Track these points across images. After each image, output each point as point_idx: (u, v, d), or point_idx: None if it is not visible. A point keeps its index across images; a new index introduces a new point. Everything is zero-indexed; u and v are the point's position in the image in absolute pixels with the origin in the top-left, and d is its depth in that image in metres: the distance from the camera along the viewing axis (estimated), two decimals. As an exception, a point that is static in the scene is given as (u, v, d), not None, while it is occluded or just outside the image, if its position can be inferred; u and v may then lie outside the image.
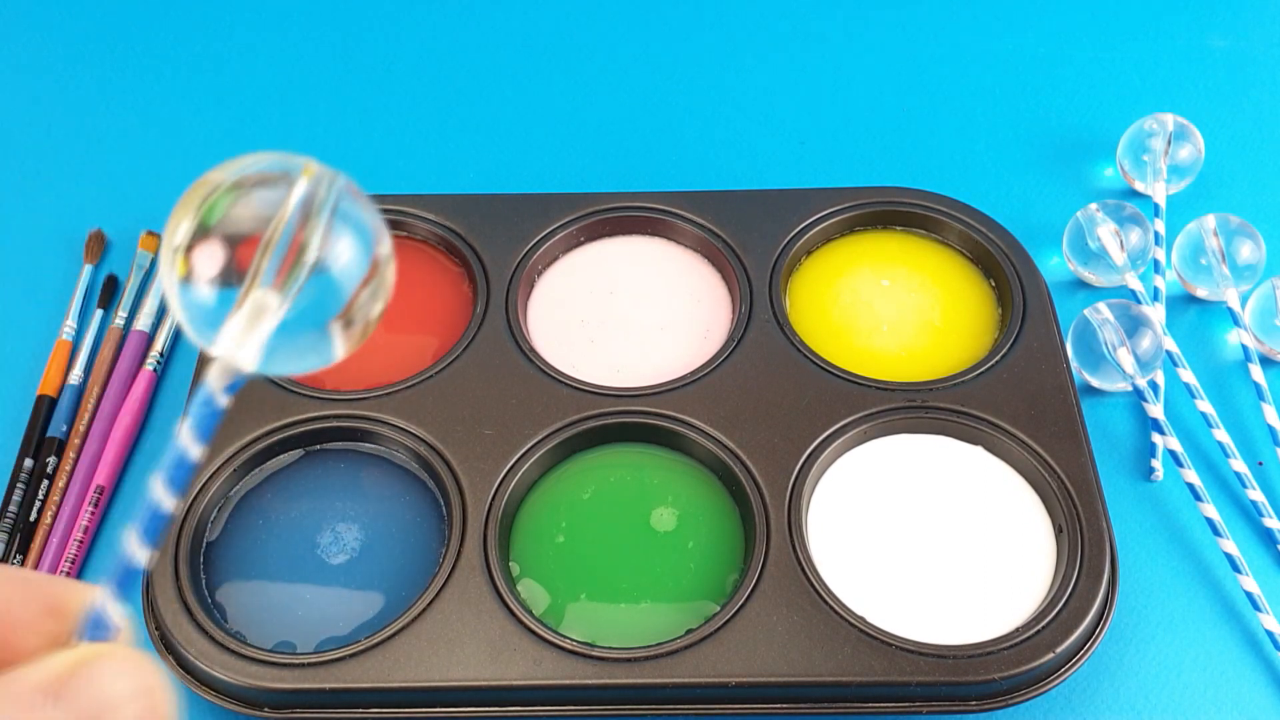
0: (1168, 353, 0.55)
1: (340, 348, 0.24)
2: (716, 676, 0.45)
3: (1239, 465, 0.53)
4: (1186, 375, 0.55)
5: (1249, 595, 0.49)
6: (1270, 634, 0.48)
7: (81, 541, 0.52)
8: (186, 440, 0.23)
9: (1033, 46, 0.72)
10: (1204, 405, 0.54)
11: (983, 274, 0.58)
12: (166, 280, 0.24)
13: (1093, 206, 0.59)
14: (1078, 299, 0.59)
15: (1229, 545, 0.50)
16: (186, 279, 0.23)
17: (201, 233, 0.23)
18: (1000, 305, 0.57)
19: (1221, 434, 0.53)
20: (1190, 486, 0.52)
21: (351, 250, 0.23)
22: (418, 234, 0.59)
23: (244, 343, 0.23)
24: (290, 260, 0.23)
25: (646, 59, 0.72)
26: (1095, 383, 0.55)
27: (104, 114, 0.70)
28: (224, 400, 0.24)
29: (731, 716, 0.45)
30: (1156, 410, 0.53)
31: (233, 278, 0.23)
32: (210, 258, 0.23)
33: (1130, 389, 0.55)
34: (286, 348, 0.23)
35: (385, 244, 0.24)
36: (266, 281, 0.23)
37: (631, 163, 0.67)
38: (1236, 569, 0.50)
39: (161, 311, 0.59)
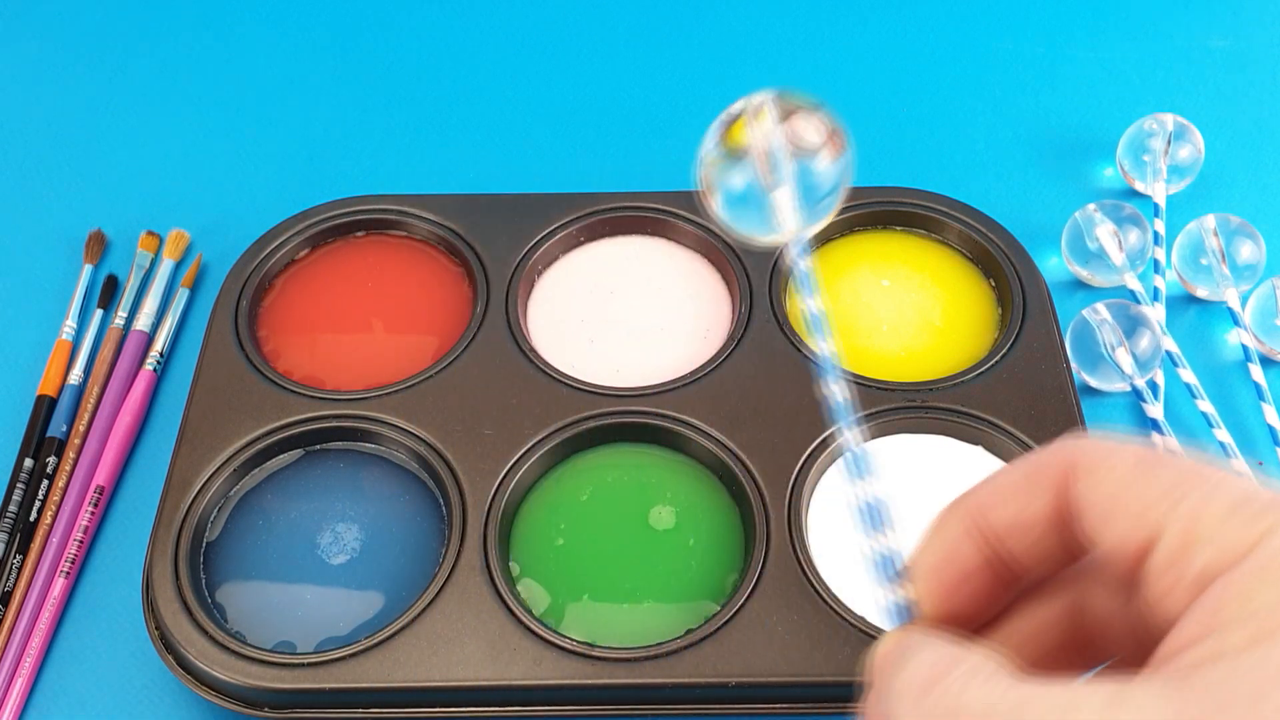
0: (1168, 353, 0.55)
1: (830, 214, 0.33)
2: (716, 676, 0.45)
3: (1239, 465, 0.53)
4: (1186, 375, 0.55)
5: (1249, 595, 0.49)
6: (1270, 634, 0.48)
7: (81, 542, 0.52)
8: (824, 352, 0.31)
9: (1033, 46, 0.72)
10: (1204, 405, 0.54)
11: (983, 274, 0.58)
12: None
13: (1091, 207, 0.59)
14: (1077, 299, 0.59)
15: (1229, 545, 0.50)
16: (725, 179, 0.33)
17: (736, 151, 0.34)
18: (1000, 305, 0.57)
19: (1222, 434, 0.53)
20: (1190, 486, 0.51)
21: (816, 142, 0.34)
22: (418, 234, 0.59)
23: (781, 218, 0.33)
24: (764, 164, 0.33)
25: (646, 59, 0.72)
26: (1094, 383, 0.55)
27: (104, 114, 0.70)
28: (806, 261, 0.32)
29: (731, 716, 0.45)
30: (1156, 410, 0.53)
31: (754, 179, 0.33)
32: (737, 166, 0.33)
33: (1129, 389, 0.55)
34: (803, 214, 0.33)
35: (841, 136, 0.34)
36: (773, 179, 0.33)
37: (631, 163, 0.67)
38: (1236, 569, 0.50)
39: (161, 311, 0.59)
